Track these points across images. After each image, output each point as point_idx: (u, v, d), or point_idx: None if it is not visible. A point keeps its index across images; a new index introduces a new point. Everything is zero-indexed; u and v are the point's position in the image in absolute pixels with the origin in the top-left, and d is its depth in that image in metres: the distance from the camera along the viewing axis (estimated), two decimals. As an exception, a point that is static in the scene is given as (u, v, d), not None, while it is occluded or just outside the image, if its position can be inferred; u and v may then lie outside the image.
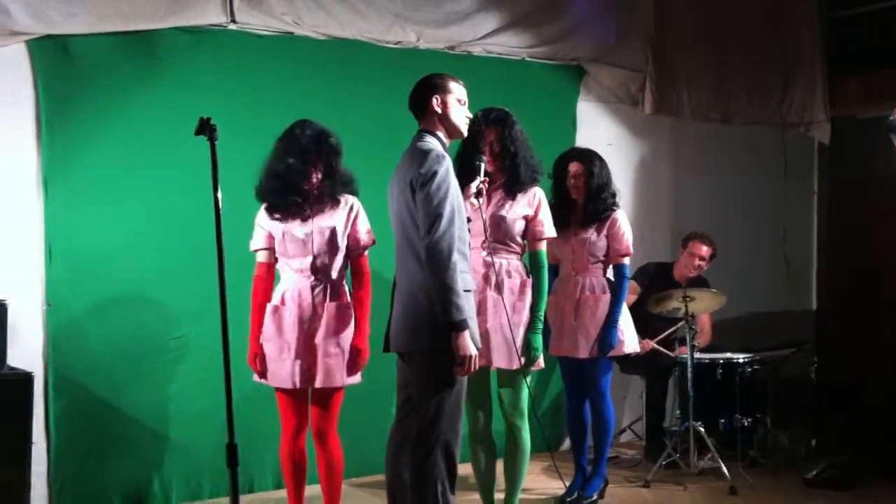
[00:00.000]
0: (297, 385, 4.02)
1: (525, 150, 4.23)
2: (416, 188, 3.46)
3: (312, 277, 4.04)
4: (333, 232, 4.02)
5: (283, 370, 4.02)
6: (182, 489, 4.92)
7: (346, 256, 4.10)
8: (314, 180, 4.03)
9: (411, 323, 3.56)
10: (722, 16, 6.83)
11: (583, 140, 6.14)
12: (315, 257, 4.03)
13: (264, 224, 4.13)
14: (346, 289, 4.11)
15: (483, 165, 4.04)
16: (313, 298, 4.02)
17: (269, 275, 4.14)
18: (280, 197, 4.06)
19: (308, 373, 4.00)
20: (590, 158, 4.87)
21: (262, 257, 4.17)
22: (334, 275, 4.06)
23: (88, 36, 4.68)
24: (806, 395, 5.93)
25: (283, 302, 4.07)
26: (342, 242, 4.05)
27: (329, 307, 4.02)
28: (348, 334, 4.04)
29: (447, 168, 3.49)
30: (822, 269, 7.54)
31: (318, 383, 4.00)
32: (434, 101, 3.61)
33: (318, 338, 4.00)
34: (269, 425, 4.92)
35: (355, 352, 4.06)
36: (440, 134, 3.63)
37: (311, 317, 4.01)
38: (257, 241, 4.16)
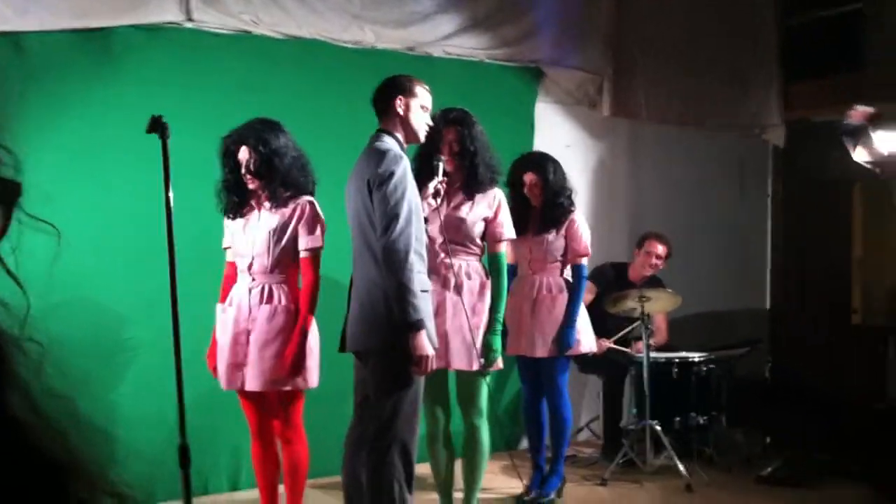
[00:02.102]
0: (225, 387, 4.01)
1: (485, 150, 4.23)
2: (373, 188, 3.47)
3: (251, 279, 4.00)
4: (272, 233, 3.95)
5: (220, 370, 4.03)
6: (134, 491, 4.86)
7: (295, 259, 4.02)
8: (248, 180, 3.97)
9: (367, 322, 3.55)
10: (680, 20, 6.89)
11: (541, 141, 6.16)
12: (253, 258, 3.99)
13: (227, 223, 4.13)
14: (287, 293, 3.98)
15: (441, 165, 4.04)
16: (250, 300, 3.98)
17: (235, 273, 4.11)
18: (225, 197, 4.06)
19: (234, 375, 3.97)
20: (543, 166, 4.86)
21: (228, 256, 4.17)
22: (273, 278, 3.97)
23: (42, 32, 4.61)
24: (760, 394, 6.00)
25: (230, 303, 4.05)
26: (282, 244, 3.95)
27: (262, 310, 3.95)
28: (283, 339, 3.92)
29: (404, 168, 3.49)
30: (775, 270, 7.64)
31: (248, 386, 3.94)
32: (397, 101, 3.62)
33: (250, 341, 3.95)
34: (224, 427, 4.92)
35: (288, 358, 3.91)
36: (398, 135, 3.64)
37: (245, 318, 3.97)
38: (224, 240, 4.17)
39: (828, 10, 7.11)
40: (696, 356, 5.74)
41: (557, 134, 6.39)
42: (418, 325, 3.41)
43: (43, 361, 0.75)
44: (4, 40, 4.55)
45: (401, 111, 3.63)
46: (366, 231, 3.55)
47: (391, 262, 3.40)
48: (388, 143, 3.58)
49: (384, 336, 3.51)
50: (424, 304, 3.48)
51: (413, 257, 3.43)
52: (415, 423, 3.60)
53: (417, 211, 3.53)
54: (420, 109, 3.66)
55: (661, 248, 5.94)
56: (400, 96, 3.63)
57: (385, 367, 3.54)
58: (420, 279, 3.47)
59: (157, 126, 3.00)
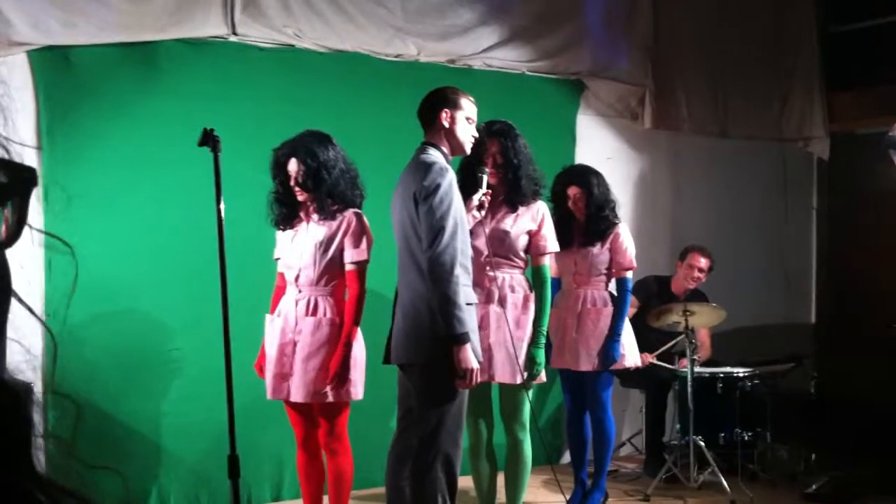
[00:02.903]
0: (270, 396, 4.05)
1: (527, 163, 4.22)
2: (419, 200, 3.46)
3: (298, 290, 4.03)
4: (318, 245, 3.98)
5: (267, 380, 4.07)
6: (180, 501, 4.89)
7: (342, 272, 4.04)
8: (297, 192, 4.01)
9: (412, 335, 3.55)
10: (721, 31, 6.85)
11: (582, 154, 6.14)
12: (300, 270, 4.02)
13: (278, 235, 4.17)
14: (332, 305, 4.00)
15: (485, 178, 4.03)
16: (296, 312, 4.01)
17: (286, 284, 4.14)
18: (275, 208, 4.10)
19: (280, 385, 3.99)
20: (587, 179, 4.84)
21: (279, 267, 4.19)
22: (319, 290, 4.00)
23: (89, 46, 4.68)
24: (805, 410, 5.92)
25: (278, 313, 4.08)
26: (328, 256, 3.98)
27: (307, 322, 3.97)
28: (327, 351, 3.94)
29: (450, 181, 3.49)
30: (821, 284, 7.54)
31: (292, 397, 3.97)
32: (443, 114, 3.62)
33: (296, 352, 3.97)
34: (268, 437, 4.94)
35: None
36: (444, 148, 3.64)
37: (292, 329, 4.00)
38: (275, 251, 4.21)
39: (869, 20, 7.02)
40: (740, 371, 5.67)
41: (599, 146, 6.37)
42: (463, 339, 3.39)
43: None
44: (53, 54, 4.62)
45: (446, 124, 3.62)
46: (411, 244, 3.54)
47: (436, 274, 3.39)
48: (434, 155, 3.57)
49: (428, 349, 3.50)
50: (469, 318, 3.46)
51: (458, 270, 3.42)
52: (458, 436, 3.58)
53: (463, 224, 3.52)
54: (465, 122, 3.66)
55: (703, 262, 5.89)
56: (445, 109, 3.62)
57: (429, 380, 3.53)
58: (465, 292, 3.46)
59: (209, 139, 3.02)
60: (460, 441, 3.59)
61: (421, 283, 3.49)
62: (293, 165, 3.99)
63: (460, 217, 3.49)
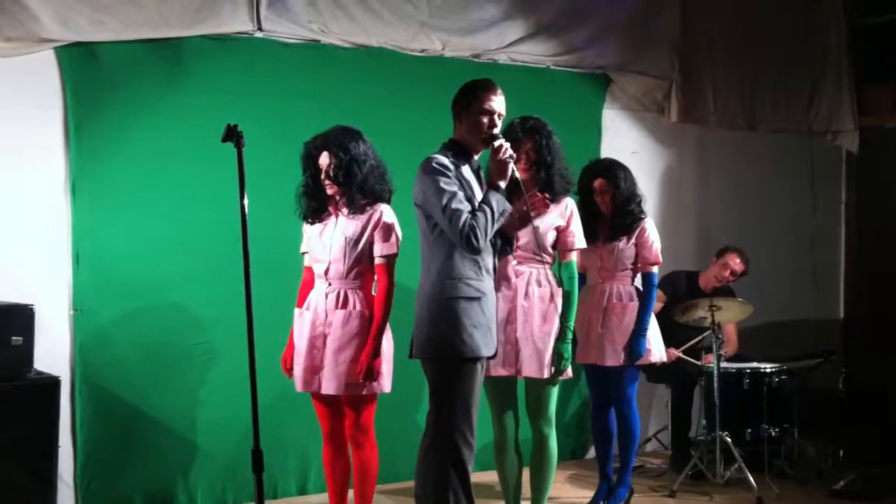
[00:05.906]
0: (300, 389, 4.07)
1: (559, 160, 4.21)
2: (421, 205, 3.58)
3: (327, 284, 4.06)
4: (348, 239, 4.01)
5: (296, 373, 4.09)
6: (206, 494, 4.92)
7: (370, 265, 4.07)
8: (326, 185, 4.04)
9: (417, 330, 3.64)
10: (748, 23, 6.79)
11: (608, 149, 6.11)
12: (329, 263, 4.04)
13: (305, 228, 4.20)
14: (362, 298, 4.03)
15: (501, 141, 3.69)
16: (326, 305, 4.03)
17: (312, 278, 4.16)
18: (304, 202, 4.13)
19: (311, 378, 4.02)
20: (613, 172, 4.82)
21: (305, 261, 4.22)
22: (349, 283, 4.03)
23: (116, 43, 4.71)
24: (833, 406, 5.88)
25: (307, 307, 4.10)
26: (358, 250, 4.01)
27: (337, 315, 4.00)
28: (357, 343, 3.97)
29: (441, 172, 3.51)
30: (849, 279, 7.47)
31: (323, 389, 4.00)
32: (455, 111, 3.68)
33: (326, 345, 4.00)
34: (294, 431, 4.97)
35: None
36: (462, 143, 3.65)
37: (322, 323, 4.03)
38: (302, 245, 4.24)
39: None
40: (767, 367, 5.64)
41: (625, 141, 6.34)
42: (497, 188, 3.55)
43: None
44: (81, 50, 4.66)
45: (458, 120, 3.67)
46: (422, 242, 3.65)
47: (473, 244, 3.46)
48: (437, 154, 3.61)
49: (430, 344, 3.56)
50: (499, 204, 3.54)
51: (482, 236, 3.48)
52: (465, 429, 3.54)
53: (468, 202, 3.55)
54: (479, 115, 3.62)
55: (738, 263, 5.88)
56: (458, 105, 3.67)
57: (432, 374, 3.60)
58: (471, 285, 3.53)
59: (233, 135, 3.04)
60: (468, 435, 3.56)
61: (426, 280, 3.60)
62: (325, 158, 4.02)
63: (462, 195, 3.51)
